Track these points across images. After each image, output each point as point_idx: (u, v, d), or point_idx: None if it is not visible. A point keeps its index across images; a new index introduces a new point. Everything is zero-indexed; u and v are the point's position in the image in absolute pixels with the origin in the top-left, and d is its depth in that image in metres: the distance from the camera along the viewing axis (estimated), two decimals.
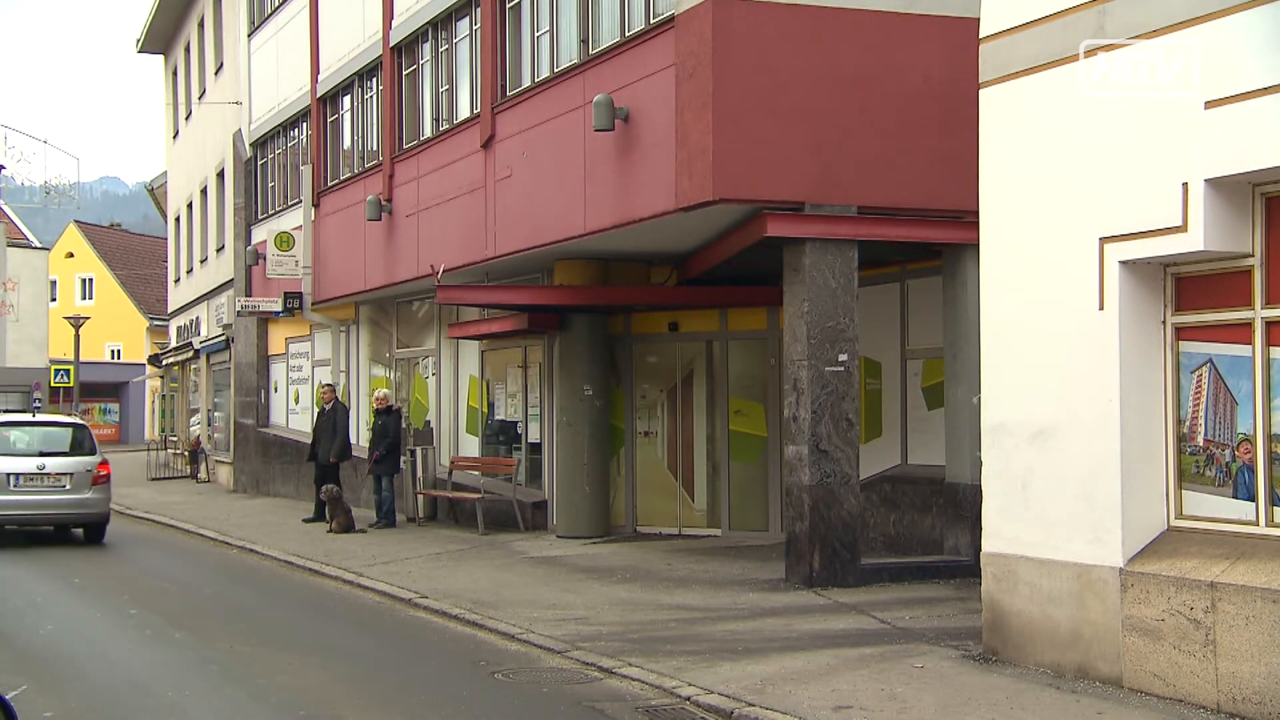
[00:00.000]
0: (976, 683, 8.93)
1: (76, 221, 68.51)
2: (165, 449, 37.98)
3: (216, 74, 32.68)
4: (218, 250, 32.52)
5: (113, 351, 67.74)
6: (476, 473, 20.34)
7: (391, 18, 21.39)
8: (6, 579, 15.79)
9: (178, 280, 39.25)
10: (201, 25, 34.50)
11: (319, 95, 24.90)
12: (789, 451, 13.46)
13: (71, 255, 67.96)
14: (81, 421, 21.67)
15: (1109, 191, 8.77)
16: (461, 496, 20.04)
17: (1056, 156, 9.21)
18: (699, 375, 18.36)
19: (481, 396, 21.07)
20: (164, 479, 34.06)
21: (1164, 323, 8.79)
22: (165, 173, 41.53)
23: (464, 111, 19.19)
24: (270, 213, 28.38)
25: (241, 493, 29.28)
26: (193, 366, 36.97)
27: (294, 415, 28.39)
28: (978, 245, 10.01)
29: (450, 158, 19.18)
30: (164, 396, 43.56)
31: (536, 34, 16.98)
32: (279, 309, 25.80)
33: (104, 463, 19.27)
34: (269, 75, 28.07)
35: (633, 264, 17.75)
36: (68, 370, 50.66)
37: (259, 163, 29.45)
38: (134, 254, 68.81)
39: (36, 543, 19.42)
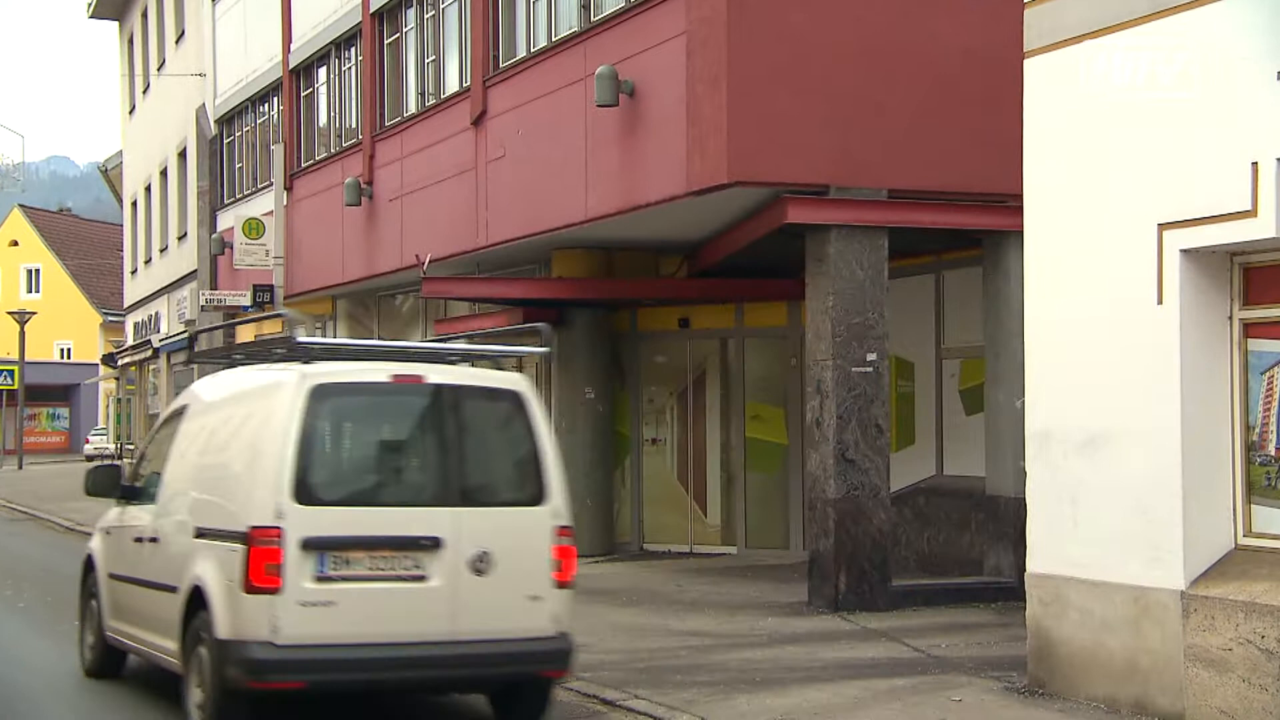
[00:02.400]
0: (1020, 717, 8.91)
1: (21, 206, 68.62)
2: (121, 458, 38.01)
3: (177, 42, 32.70)
4: (179, 238, 32.55)
5: (62, 350, 67.87)
6: None
7: None
8: None
9: (135, 271, 39.30)
10: None
11: (291, 67, 24.90)
12: (812, 461, 13.44)
13: (16, 243, 68.08)
14: None
15: (1168, 172, 8.74)
16: None
17: (1110, 133, 9.18)
18: (712, 377, 18.35)
19: None
20: None
21: (1230, 318, 8.76)
22: (120, 152, 41.58)
23: (452, 85, 19.19)
24: (238, 197, 28.40)
25: None
26: (151, 367, 36.99)
27: None
28: (1021, 232, 9.99)
29: (437, 136, 19.18)
30: (120, 400, 43.59)
31: None
32: (248, 303, 25.81)
33: None
34: (236, 44, 28.07)
35: (639, 254, 17.74)
36: (11, 371, 50.70)
37: (225, 141, 29.46)
38: (86, 242, 68.91)
39: None
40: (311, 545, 8.02)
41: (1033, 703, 9.28)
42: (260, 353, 9.80)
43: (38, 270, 68.84)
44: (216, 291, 27.79)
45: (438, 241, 18.58)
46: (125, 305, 41.60)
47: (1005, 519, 13.71)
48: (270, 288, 25.18)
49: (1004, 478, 13.77)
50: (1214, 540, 8.67)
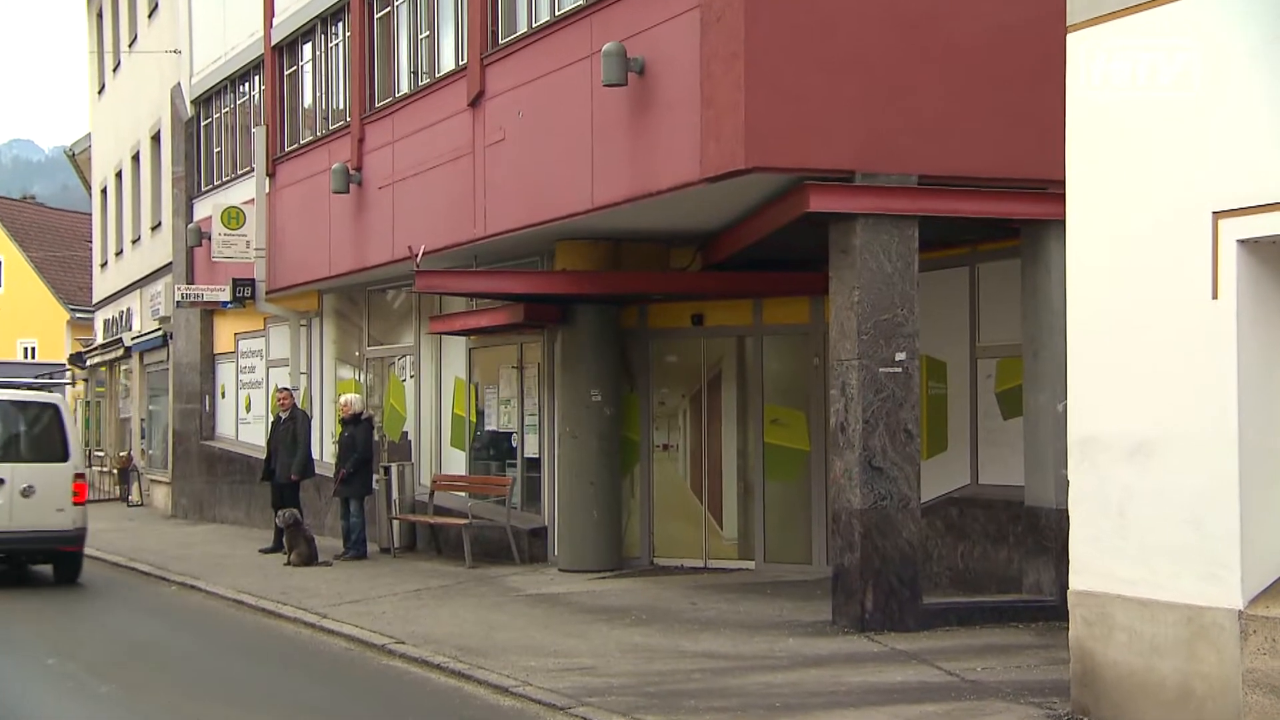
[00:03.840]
0: None
1: None
2: (90, 466, 38.05)
3: (150, 17, 32.75)
4: (153, 228, 32.59)
5: (26, 349, 68.00)
6: (463, 494, 20.34)
7: None
8: None
9: (105, 264, 39.35)
10: None
11: (274, 43, 24.94)
12: (836, 469, 13.43)
13: None
14: None
15: (1225, 156, 8.72)
16: (445, 522, 20.05)
17: (1160, 114, 9.16)
18: (728, 378, 18.35)
19: (469, 403, 21.08)
20: (89, 502, 34.08)
21: None
22: (89, 135, 41.65)
23: (448, 63, 19.20)
24: (216, 184, 28.44)
25: (182, 518, 29.33)
26: (123, 367, 37.07)
27: (245, 425, 28.44)
28: (1063, 222, 9.97)
29: (432, 118, 19.19)
30: (88, 403, 43.69)
31: None
32: (227, 299, 25.84)
33: None
34: (214, 18, 28.12)
35: (649, 245, 17.75)
36: None
37: (202, 124, 29.50)
38: (51, 233, 69.00)
39: None
40: None
41: None
42: None
43: None
44: (193, 286, 27.81)
45: (432, 232, 18.60)
46: (94, 301, 41.66)
47: (1046, 532, 13.70)
48: (251, 282, 25.22)
49: (1044, 487, 13.75)
50: (1275, 555, 8.65)
